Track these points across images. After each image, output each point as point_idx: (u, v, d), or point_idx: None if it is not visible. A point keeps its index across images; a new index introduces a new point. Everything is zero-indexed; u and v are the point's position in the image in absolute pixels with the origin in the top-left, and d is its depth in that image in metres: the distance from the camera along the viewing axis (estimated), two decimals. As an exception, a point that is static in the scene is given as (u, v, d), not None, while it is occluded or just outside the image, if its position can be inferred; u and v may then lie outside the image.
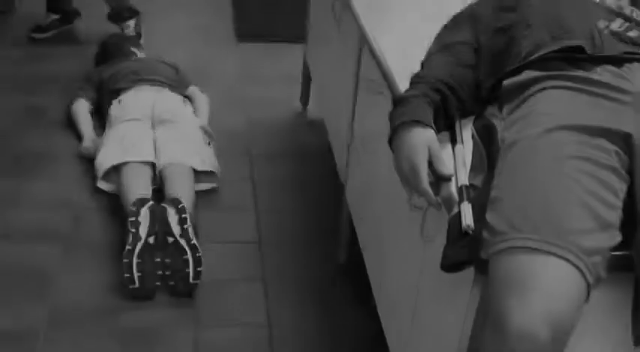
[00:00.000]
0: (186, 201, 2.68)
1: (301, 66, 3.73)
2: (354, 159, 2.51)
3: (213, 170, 3.04)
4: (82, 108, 3.45)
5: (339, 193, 2.73)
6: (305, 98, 3.73)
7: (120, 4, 4.14)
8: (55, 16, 3.94)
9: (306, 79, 3.65)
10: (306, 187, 3.16)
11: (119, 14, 4.18)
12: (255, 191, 3.11)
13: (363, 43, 2.29)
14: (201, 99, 3.52)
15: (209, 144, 3.17)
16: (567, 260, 1.18)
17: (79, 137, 3.33)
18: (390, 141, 1.51)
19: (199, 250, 2.52)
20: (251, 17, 4.82)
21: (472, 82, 1.64)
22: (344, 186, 2.68)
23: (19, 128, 3.43)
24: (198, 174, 2.98)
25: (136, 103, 3.23)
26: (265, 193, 3.10)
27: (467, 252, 1.28)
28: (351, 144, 2.55)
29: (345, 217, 2.67)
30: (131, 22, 4.21)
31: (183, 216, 2.57)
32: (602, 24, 1.53)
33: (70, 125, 3.43)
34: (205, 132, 3.21)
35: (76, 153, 3.24)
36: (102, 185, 2.99)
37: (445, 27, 1.82)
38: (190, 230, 2.55)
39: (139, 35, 4.14)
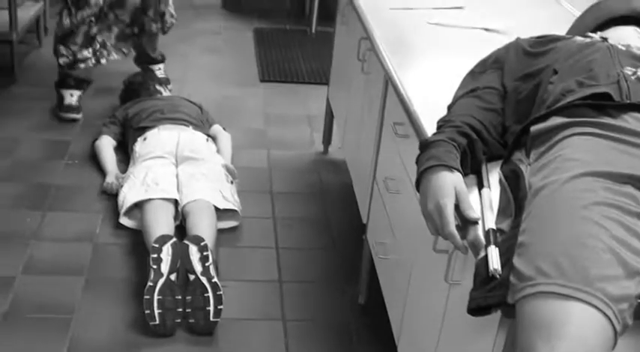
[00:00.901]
0: (208, 239, 2.70)
1: (323, 106, 3.76)
2: (377, 200, 2.52)
3: (235, 208, 3.06)
4: (107, 145, 3.49)
5: (360, 233, 2.74)
6: (327, 138, 3.75)
7: (149, 48, 4.17)
8: (79, 92, 3.95)
9: (329, 120, 3.68)
10: (327, 226, 3.17)
11: (149, 58, 4.22)
12: (276, 229, 3.12)
13: (388, 85, 2.32)
14: (225, 137, 3.56)
15: (231, 182, 3.19)
16: (595, 306, 1.18)
17: (102, 173, 3.36)
18: (417, 184, 1.52)
19: (220, 288, 2.53)
20: (274, 59, 4.87)
21: (498, 127, 1.66)
22: (365, 226, 2.69)
23: (43, 162, 3.47)
24: (220, 212, 3.00)
25: (161, 141, 3.26)
26: (286, 232, 3.11)
27: (494, 296, 1.28)
28: (374, 184, 2.56)
29: (365, 257, 2.68)
30: (161, 66, 4.25)
31: (205, 253, 2.58)
32: (629, 71, 1.54)
33: (94, 161, 3.46)
34: (228, 170, 3.23)
35: (99, 189, 3.26)
36: (124, 221, 3.01)
37: (472, 72, 1.84)
38: (212, 268, 2.56)
39: (167, 80, 4.17)
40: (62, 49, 3.83)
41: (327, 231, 3.14)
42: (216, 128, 3.61)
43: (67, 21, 3.78)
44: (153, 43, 4.16)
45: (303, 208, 3.29)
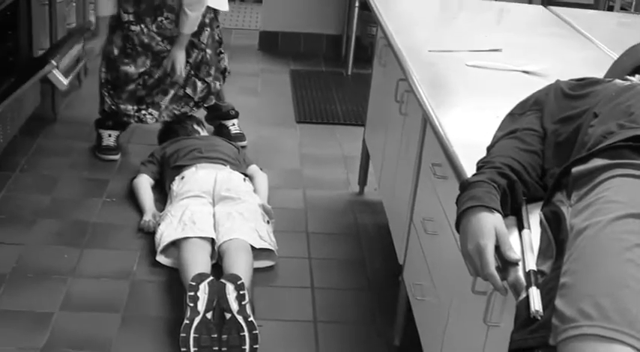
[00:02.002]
0: (245, 278, 2.70)
1: (359, 147, 3.78)
2: (414, 241, 2.52)
3: (271, 248, 3.07)
4: (144, 183, 3.52)
5: (396, 274, 2.74)
6: (363, 179, 3.76)
7: (219, 101, 4.21)
8: (117, 132, 4.00)
9: (365, 160, 3.69)
10: (362, 267, 3.16)
11: (221, 114, 4.26)
12: (311, 269, 3.12)
13: (427, 126, 2.33)
14: (261, 177, 3.58)
15: (268, 221, 3.21)
16: (637, 349, 1.17)
17: (140, 211, 3.39)
18: (457, 224, 1.52)
19: (256, 327, 2.53)
20: (310, 100, 4.91)
21: (538, 168, 1.66)
22: (402, 267, 2.68)
23: (82, 200, 3.51)
24: (256, 251, 3.01)
25: (198, 180, 3.29)
26: (322, 272, 3.11)
27: (535, 337, 1.27)
28: (411, 225, 2.56)
29: (402, 298, 2.67)
30: (235, 121, 4.27)
31: (242, 292, 2.59)
32: (669, 112, 1.54)
33: (132, 199, 3.50)
34: (264, 210, 3.25)
35: (136, 227, 3.29)
36: (161, 259, 3.03)
37: (511, 113, 1.84)
38: (248, 307, 2.57)
39: (242, 135, 4.21)
40: (106, 97, 3.90)
41: (362, 272, 3.13)
42: (253, 168, 3.63)
43: (104, 75, 3.86)
44: (220, 96, 4.19)
45: (339, 248, 3.30)
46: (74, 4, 4.79)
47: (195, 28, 3.79)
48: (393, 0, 3.58)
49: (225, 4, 3.99)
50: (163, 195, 3.49)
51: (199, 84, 3.93)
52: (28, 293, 2.83)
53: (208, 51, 3.91)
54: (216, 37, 4.00)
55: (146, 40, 3.77)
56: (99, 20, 3.81)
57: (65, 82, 3.78)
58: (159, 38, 3.78)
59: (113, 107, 3.88)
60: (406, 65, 2.58)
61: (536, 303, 1.30)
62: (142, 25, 3.76)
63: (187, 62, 3.85)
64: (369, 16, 5.24)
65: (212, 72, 3.96)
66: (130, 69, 3.80)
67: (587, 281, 1.25)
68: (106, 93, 3.89)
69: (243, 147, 3.89)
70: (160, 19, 3.74)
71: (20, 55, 3.82)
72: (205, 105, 4.05)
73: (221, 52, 4.07)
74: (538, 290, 1.33)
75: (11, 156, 3.75)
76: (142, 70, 3.81)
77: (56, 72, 3.75)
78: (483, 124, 1.98)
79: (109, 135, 3.97)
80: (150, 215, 3.30)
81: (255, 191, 3.43)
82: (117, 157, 3.93)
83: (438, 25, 3.43)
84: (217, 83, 4.01)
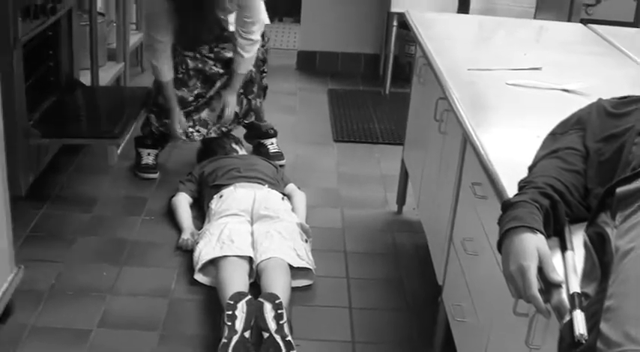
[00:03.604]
0: (283, 297, 2.70)
1: (397, 166, 3.76)
2: (453, 261, 2.49)
3: (309, 267, 3.06)
4: (183, 202, 3.54)
5: (436, 294, 2.71)
6: (401, 198, 3.74)
7: (258, 119, 4.24)
8: (156, 151, 4.03)
9: (403, 180, 3.67)
10: (400, 287, 3.14)
11: (260, 132, 4.27)
12: (349, 289, 3.10)
13: (467, 145, 2.31)
14: (299, 196, 3.58)
15: (306, 240, 3.20)
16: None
17: (178, 229, 3.40)
18: (499, 245, 1.50)
19: (294, 347, 2.52)
20: (348, 119, 4.91)
21: (581, 188, 1.63)
22: (441, 288, 2.66)
23: (121, 218, 3.53)
24: (294, 270, 3.00)
25: (237, 199, 3.30)
26: (360, 291, 3.09)
27: (580, 361, 1.25)
28: (451, 245, 2.54)
29: (441, 319, 2.64)
30: (273, 140, 4.28)
31: (280, 311, 2.58)
32: None
33: (171, 217, 3.51)
34: (302, 228, 3.24)
35: (175, 245, 3.30)
36: (199, 277, 3.03)
37: (553, 133, 1.82)
38: (286, 326, 2.56)
39: (280, 154, 4.22)
40: (152, 119, 3.94)
41: (401, 292, 3.11)
42: (291, 187, 3.64)
43: (153, 97, 3.91)
44: (260, 115, 4.21)
45: (377, 268, 3.28)
46: (114, 24, 4.85)
47: (251, 67, 3.84)
48: (431, 19, 3.58)
49: (266, 18, 4.00)
50: (202, 213, 3.50)
51: (244, 101, 3.96)
52: (67, 310, 2.85)
53: (253, 69, 3.93)
54: (261, 56, 4.02)
55: (199, 65, 3.82)
56: (163, 84, 3.84)
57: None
58: (212, 62, 3.82)
59: (161, 128, 3.93)
60: (446, 84, 2.57)
61: (580, 327, 1.28)
62: (195, 51, 3.81)
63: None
64: (407, 35, 5.25)
65: (255, 89, 3.98)
66: (184, 93, 3.85)
67: (632, 304, 1.23)
68: (152, 115, 3.92)
69: (281, 166, 3.91)
70: (216, 49, 3.82)
71: (61, 74, 3.87)
72: (245, 121, 4.07)
73: (264, 71, 4.09)
74: (582, 314, 1.30)
75: (52, 174, 3.79)
76: (195, 92, 3.86)
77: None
78: (524, 143, 1.96)
79: (148, 154, 3.99)
80: (188, 233, 3.31)
81: (293, 210, 3.43)
82: (156, 176, 3.95)
83: (477, 44, 3.41)
84: (258, 100, 4.04)
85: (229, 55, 3.82)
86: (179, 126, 3.84)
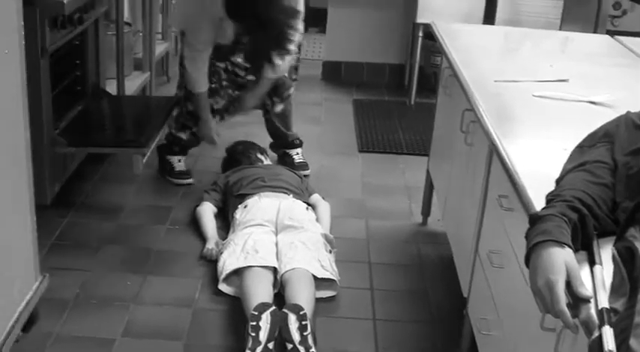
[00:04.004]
0: (307, 308, 2.69)
1: (422, 177, 3.75)
2: (479, 274, 2.48)
3: (333, 278, 3.05)
4: (207, 211, 3.54)
5: (461, 307, 2.70)
6: (426, 210, 3.72)
7: (283, 126, 4.26)
8: (184, 157, 4.06)
9: (428, 191, 3.66)
10: (425, 299, 3.12)
11: (286, 142, 4.30)
12: (373, 300, 3.09)
13: (493, 156, 2.30)
14: (324, 206, 3.58)
15: (330, 251, 3.19)
16: None
17: (202, 239, 3.40)
18: (527, 259, 1.49)
19: (318, 358, 2.51)
20: (373, 129, 4.90)
21: (609, 202, 1.62)
22: (466, 300, 2.64)
23: (146, 227, 3.54)
24: (318, 281, 2.99)
25: (261, 209, 3.30)
26: (384, 303, 3.08)
27: (608, 378, 1.24)
28: (476, 257, 2.52)
29: (466, 332, 2.62)
30: (299, 151, 4.31)
31: (304, 322, 2.57)
32: None
33: (195, 227, 3.52)
34: (327, 239, 3.23)
35: (199, 255, 3.30)
36: (223, 287, 3.03)
37: (580, 146, 1.81)
38: (310, 337, 2.55)
39: (305, 164, 4.24)
40: (184, 131, 4.00)
41: (425, 304, 3.09)
42: (316, 197, 3.63)
43: (185, 107, 3.93)
44: (285, 121, 4.23)
45: (402, 280, 3.26)
46: (141, 34, 4.88)
47: (282, 74, 3.92)
48: (457, 30, 3.57)
49: (302, 27, 3.98)
50: (226, 223, 3.50)
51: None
52: (91, 319, 2.85)
53: (286, 75, 3.98)
54: (294, 63, 4.04)
55: (232, 76, 3.87)
56: (197, 96, 3.86)
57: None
58: (243, 73, 3.86)
59: (191, 136, 3.99)
60: (472, 95, 2.56)
61: (609, 343, 1.26)
62: (228, 62, 3.83)
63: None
64: (432, 46, 5.24)
65: (285, 94, 4.06)
66: (217, 105, 3.89)
67: (664, 320, 1.21)
68: (189, 123, 3.96)
69: (306, 176, 3.90)
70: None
71: (87, 83, 3.89)
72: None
73: (295, 79, 4.12)
74: (611, 330, 1.29)
75: (77, 182, 3.81)
76: (227, 99, 3.92)
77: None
78: (551, 155, 1.95)
79: (179, 161, 4.02)
80: (213, 243, 3.31)
81: (317, 220, 3.42)
82: (192, 181, 3.98)
83: (503, 55, 3.40)
84: (280, 106, 4.10)
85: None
86: (213, 133, 3.91)
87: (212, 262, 3.21)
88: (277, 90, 4.00)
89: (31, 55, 2.84)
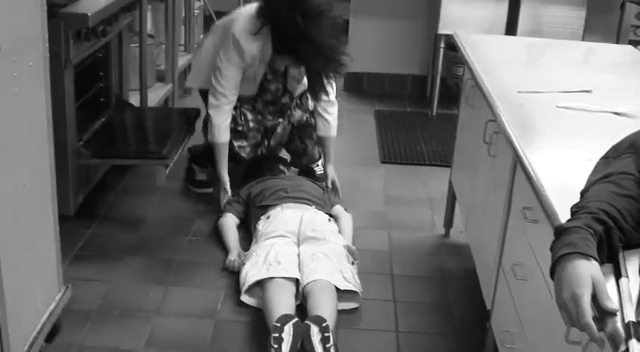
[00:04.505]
0: (329, 320, 2.68)
1: (444, 189, 3.73)
2: (502, 286, 2.46)
3: (356, 289, 3.04)
4: (230, 223, 3.54)
5: (484, 320, 2.68)
6: (449, 221, 3.71)
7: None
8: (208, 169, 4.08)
9: (451, 202, 3.64)
10: (448, 311, 3.11)
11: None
12: (396, 312, 3.08)
13: (517, 168, 2.28)
14: (346, 218, 3.57)
15: (352, 263, 3.18)
16: None
17: (225, 250, 3.40)
18: (552, 272, 1.48)
19: (340, 370, 2.50)
20: (395, 140, 4.90)
21: (635, 213, 1.60)
22: (489, 313, 2.62)
23: (168, 238, 3.55)
24: (340, 293, 2.98)
25: (283, 220, 3.30)
26: (406, 315, 3.06)
27: (635, 392, 1.22)
28: (500, 270, 2.50)
29: (489, 345, 2.61)
30: (319, 163, 4.28)
31: (326, 334, 2.56)
32: None
33: (217, 238, 3.52)
34: (349, 250, 3.22)
35: (221, 266, 3.30)
36: (246, 299, 3.03)
37: (605, 157, 1.79)
38: (332, 349, 2.55)
39: (325, 176, 4.19)
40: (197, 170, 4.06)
41: (448, 316, 3.07)
42: (338, 208, 3.63)
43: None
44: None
45: (424, 292, 3.24)
46: (163, 46, 4.90)
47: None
48: (479, 41, 3.56)
49: None
50: (249, 234, 3.50)
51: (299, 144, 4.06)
52: (114, 330, 2.86)
53: (308, 114, 3.99)
54: None
55: (259, 117, 3.86)
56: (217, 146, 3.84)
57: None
58: (270, 116, 3.88)
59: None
60: (495, 106, 2.55)
61: (636, 356, 1.25)
62: (254, 105, 3.85)
63: (290, 123, 3.95)
64: (454, 57, 5.23)
65: (314, 136, 4.03)
66: (242, 155, 3.87)
67: (692, 334, 1.20)
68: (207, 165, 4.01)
69: (328, 187, 3.90)
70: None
71: (110, 95, 3.91)
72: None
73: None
74: (639, 343, 1.27)
75: (100, 193, 3.82)
76: (253, 142, 3.88)
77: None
78: (575, 167, 1.94)
79: (202, 172, 4.06)
80: (235, 254, 3.31)
81: (339, 231, 3.41)
82: (210, 190, 4.01)
83: (525, 66, 3.38)
84: (316, 149, 4.08)
85: (285, 100, 3.88)
86: (225, 197, 3.79)
87: (234, 273, 3.21)
88: (305, 130, 4.00)
89: (55, 67, 2.86)
